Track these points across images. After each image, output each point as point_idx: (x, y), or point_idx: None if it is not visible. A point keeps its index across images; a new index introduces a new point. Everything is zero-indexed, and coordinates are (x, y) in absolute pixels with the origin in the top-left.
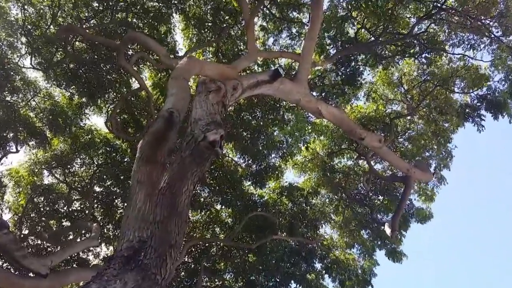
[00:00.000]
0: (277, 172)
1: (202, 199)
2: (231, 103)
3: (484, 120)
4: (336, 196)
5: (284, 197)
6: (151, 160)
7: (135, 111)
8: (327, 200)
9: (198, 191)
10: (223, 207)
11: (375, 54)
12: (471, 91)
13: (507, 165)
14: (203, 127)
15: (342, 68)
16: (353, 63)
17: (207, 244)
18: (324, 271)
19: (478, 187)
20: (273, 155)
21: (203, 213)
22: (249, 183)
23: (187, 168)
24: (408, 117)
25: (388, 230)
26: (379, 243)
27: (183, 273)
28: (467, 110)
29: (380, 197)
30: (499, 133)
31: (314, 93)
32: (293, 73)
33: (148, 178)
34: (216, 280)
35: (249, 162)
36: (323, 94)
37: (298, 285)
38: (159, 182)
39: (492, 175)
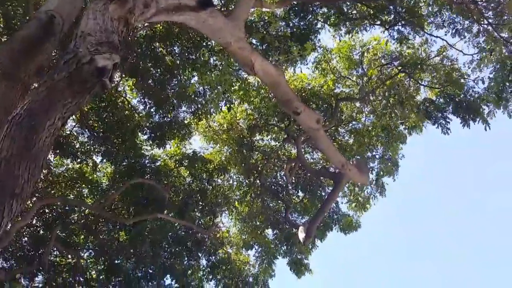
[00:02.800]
0: (183, 132)
1: (75, 145)
2: (139, 24)
3: (449, 123)
4: (247, 181)
5: (183, 167)
6: (11, 75)
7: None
8: (236, 183)
9: (72, 133)
10: (104, 161)
11: (340, 11)
12: (440, 87)
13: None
14: (92, 46)
15: (296, 19)
16: (310, 16)
17: (66, 208)
18: (209, 270)
19: (415, 206)
20: (183, 108)
21: (72, 165)
22: (145, 137)
23: (58, 96)
24: (358, 104)
25: (301, 235)
26: (283, 248)
27: (26, 238)
28: (430, 108)
29: (301, 194)
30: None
31: (253, 41)
32: (231, 7)
33: (1, 98)
34: (70, 256)
35: (151, 110)
36: (263, 45)
37: (174, 282)
38: (15, 106)
39: (435, 197)
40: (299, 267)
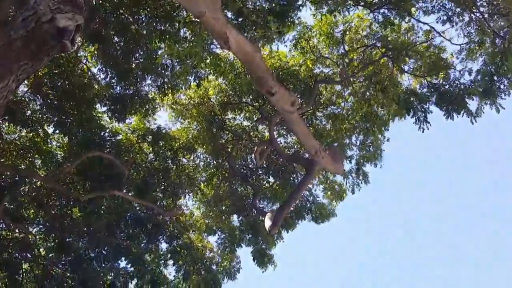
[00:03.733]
0: (147, 107)
1: (27, 112)
2: None
3: (427, 117)
4: (215, 162)
5: (146, 143)
6: None
7: None
8: (202, 163)
9: (24, 98)
10: (57, 131)
11: None
12: (423, 75)
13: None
14: (54, 4)
15: None
16: None
17: (16, 178)
18: (169, 256)
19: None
20: (148, 81)
21: (24, 132)
22: (104, 109)
23: (13, 56)
24: (338, 87)
25: (268, 223)
26: (249, 236)
27: None
28: (411, 99)
29: (271, 179)
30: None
31: (228, 14)
32: None
33: None
34: (18, 230)
35: (113, 81)
36: (239, 18)
37: (129, 265)
38: None
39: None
40: (262, 259)
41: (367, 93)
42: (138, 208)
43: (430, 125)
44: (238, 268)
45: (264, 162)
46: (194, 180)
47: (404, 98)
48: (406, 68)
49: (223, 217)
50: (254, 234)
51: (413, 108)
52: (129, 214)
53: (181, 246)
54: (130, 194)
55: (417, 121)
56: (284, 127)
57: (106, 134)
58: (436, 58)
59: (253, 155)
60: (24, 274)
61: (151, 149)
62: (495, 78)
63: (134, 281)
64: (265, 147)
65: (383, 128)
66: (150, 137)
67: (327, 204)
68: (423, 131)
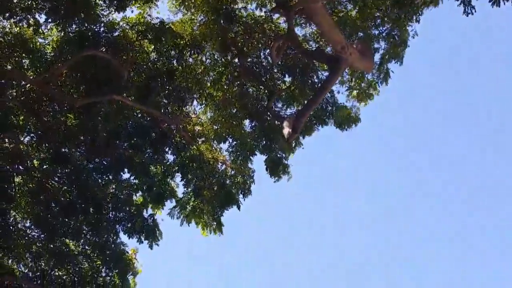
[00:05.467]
0: None
1: None
2: None
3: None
4: (223, 60)
5: (147, 41)
6: None
7: None
8: (210, 62)
9: None
10: (48, 21)
11: None
12: None
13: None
14: None
15: None
16: None
17: (2, 81)
18: (177, 168)
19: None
20: None
21: (9, 28)
22: None
23: None
24: None
25: (286, 130)
26: (263, 143)
27: None
28: None
29: (288, 79)
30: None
31: None
32: None
33: None
34: (7, 140)
35: None
36: None
37: (133, 177)
38: None
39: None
40: (276, 168)
41: None
42: (140, 116)
43: (475, 11)
44: (251, 182)
45: (280, 59)
46: (202, 82)
47: None
48: None
49: (234, 123)
50: (268, 141)
51: None
52: (130, 122)
53: (190, 157)
54: (130, 99)
55: (462, 3)
56: (303, 17)
57: (102, 29)
58: None
59: (268, 51)
60: (17, 188)
61: (153, 47)
62: None
63: (139, 194)
64: (282, 42)
65: (414, 17)
66: (151, 33)
67: (351, 107)
68: (467, 15)
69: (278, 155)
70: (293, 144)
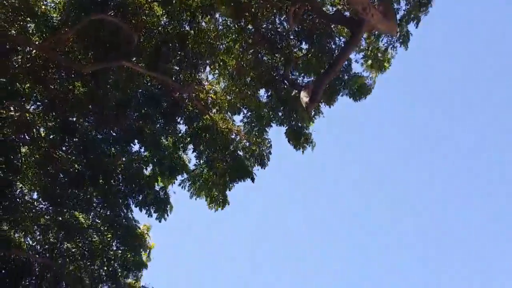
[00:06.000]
0: None
1: None
2: None
3: None
4: (237, 26)
5: (157, 3)
6: None
7: None
8: (223, 28)
9: None
10: None
11: None
12: None
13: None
14: None
15: None
16: None
17: (7, 46)
18: (189, 139)
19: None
20: None
21: None
22: None
23: None
24: None
25: (305, 99)
26: (280, 114)
27: None
28: None
29: (305, 46)
30: None
31: None
32: None
33: None
34: (13, 108)
35: None
36: None
37: (143, 149)
38: None
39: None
40: (298, 138)
41: None
42: (150, 84)
43: None
44: (268, 153)
45: (298, 25)
46: (215, 49)
47: None
48: None
49: (249, 92)
50: (286, 111)
51: None
52: (140, 90)
53: (202, 128)
54: (140, 65)
55: None
56: None
57: None
58: None
59: (284, 16)
60: (23, 159)
61: (163, 10)
62: None
63: (150, 167)
64: (299, 6)
65: None
66: None
67: (367, 76)
68: None
69: (299, 125)
70: (312, 113)
